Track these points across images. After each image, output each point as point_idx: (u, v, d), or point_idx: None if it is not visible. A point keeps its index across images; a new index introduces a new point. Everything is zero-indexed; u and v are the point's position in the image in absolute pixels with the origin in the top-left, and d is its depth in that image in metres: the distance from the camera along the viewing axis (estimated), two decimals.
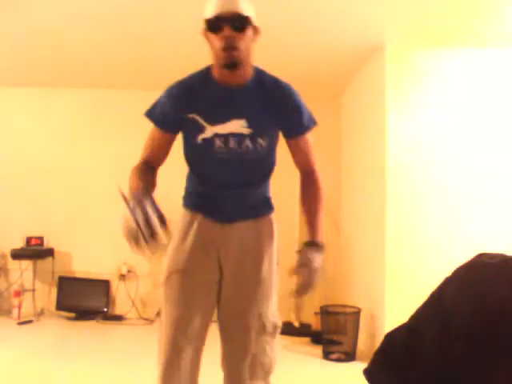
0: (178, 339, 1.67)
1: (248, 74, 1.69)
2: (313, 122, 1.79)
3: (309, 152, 1.82)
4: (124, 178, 5.53)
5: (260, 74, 1.73)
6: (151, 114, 1.75)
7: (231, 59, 1.59)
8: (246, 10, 1.59)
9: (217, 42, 1.59)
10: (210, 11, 1.59)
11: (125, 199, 1.47)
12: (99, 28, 3.54)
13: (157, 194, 1.66)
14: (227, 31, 1.56)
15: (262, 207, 1.84)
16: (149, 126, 1.82)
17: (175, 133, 1.77)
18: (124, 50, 3.98)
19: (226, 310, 1.77)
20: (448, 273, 1.12)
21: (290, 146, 1.81)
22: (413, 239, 3.55)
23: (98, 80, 4.82)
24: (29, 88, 5.03)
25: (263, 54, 3.99)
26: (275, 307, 1.81)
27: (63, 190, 5.05)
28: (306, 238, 1.76)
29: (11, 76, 4.75)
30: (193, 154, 1.78)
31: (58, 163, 5.09)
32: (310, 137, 1.82)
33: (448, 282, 1.10)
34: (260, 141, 1.71)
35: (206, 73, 1.72)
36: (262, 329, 1.74)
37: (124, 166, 5.69)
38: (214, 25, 1.58)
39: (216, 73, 1.69)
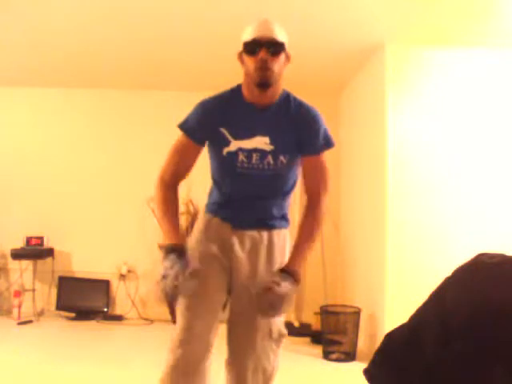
0: (196, 308, 1.76)
1: (276, 96, 1.80)
2: (328, 144, 1.86)
3: (320, 174, 1.87)
4: (124, 178, 5.48)
5: (287, 97, 1.84)
6: (184, 125, 1.85)
7: (264, 79, 1.71)
8: (281, 36, 1.74)
9: (251, 63, 1.72)
10: (249, 35, 1.73)
11: (164, 255, 1.73)
12: (99, 28, 3.53)
13: None
14: (262, 54, 1.69)
15: (278, 221, 1.91)
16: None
17: (203, 145, 1.87)
18: (124, 50, 3.98)
19: (237, 310, 1.84)
20: (448, 273, 1.12)
21: (303, 164, 1.88)
22: (413, 239, 3.55)
23: (98, 80, 4.82)
24: (29, 88, 5.03)
25: None
26: (282, 318, 1.88)
27: (63, 190, 5.05)
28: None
29: (11, 76, 4.75)
30: (217, 166, 1.88)
31: (58, 163, 5.09)
32: (325, 161, 1.87)
33: (448, 282, 1.10)
34: (281, 158, 1.80)
35: (236, 91, 1.83)
36: (269, 334, 1.81)
37: (124, 166, 5.72)
38: (251, 47, 1.72)
39: (246, 92, 1.80)
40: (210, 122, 1.80)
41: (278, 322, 1.84)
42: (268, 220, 1.89)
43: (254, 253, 1.85)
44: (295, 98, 1.85)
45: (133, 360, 3.55)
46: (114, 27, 3.52)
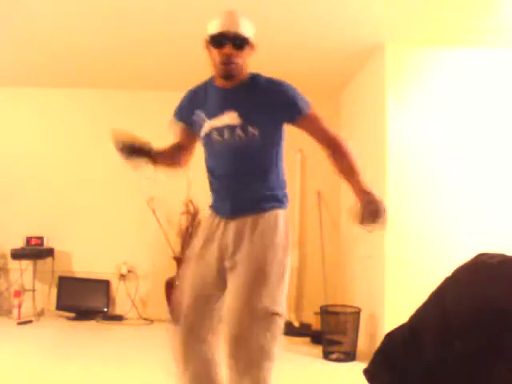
0: (195, 288, 1.95)
1: (242, 77, 1.93)
2: (307, 105, 1.94)
3: (322, 127, 1.95)
4: (124, 178, 5.50)
5: (254, 76, 1.95)
6: (174, 113, 2.14)
7: (228, 72, 1.86)
8: (247, 31, 1.84)
9: (217, 56, 1.85)
10: (215, 28, 1.83)
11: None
12: (99, 28, 3.54)
13: None
14: (228, 48, 1.82)
15: (267, 202, 1.95)
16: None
17: (187, 124, 2.07)
18: (124, 50, 3.98)
19: (230, 291, 1.90)
20: (448, 273, 1.13)
21: (302, 128, 1.97)
22: (413, 239, 3.55)
23: (99, 80, 4.82)
24: (29, 88, 5.03)
25: (268, 54, 3.99)
26: (279, 297, 1.88)
27: (63, 190, 5.05)
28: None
29: (11, 76, 4.75)
30: (203, 150, 2.05)
31: (58, 163, 5.09)
32: (317, 114, 1.95)
33: (448, 282, 1.10)
34: (251, 129, 1.89)
35: (210, 80, 2.02)
36: (261, 312, 1.82)
37: (125, 165, 5.68)
38: (217, 41, 1.83)
39: (216, 79, 1.97)
40: (188, 108, 2.04)
41: (272, 302, 1.85)
42: (254, 202, 1.93)
43: (240, 239, 1.91)
44: (263, 76, 1.96)
45: (133, 360, 3.55)
46: (116, 27, 3.52)
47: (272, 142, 1.95)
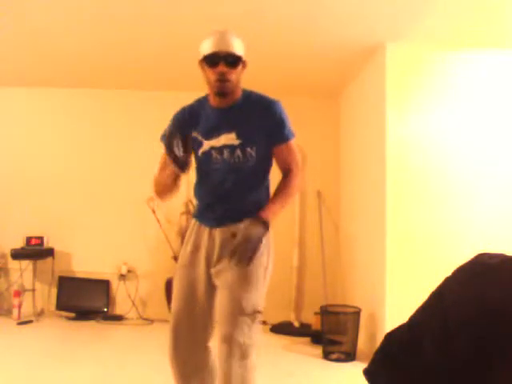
0: (184, 293, 2.04)
1: (236, 97, 2.01)
2: (292, 134, 2.03)
3: (290, 156, 2.04)
4: (124, 178, 5.50)
5: (247, 94, 2.03)
6: (162, 137, 2.05)
7: (223, 89, 1.93)
8: (238, 49, 1.91)
9: (211, 74, 1.92)
10: (208, 48, 1.91)
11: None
12: (99, 28, 3.54)
13: None
14: (221, 67, 1.89)
15: (252, 213, 2.01)
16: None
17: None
18: (124, 50, 3.98)
19: (221, 292, 1.99)
20: (448, 273, 1.13)
21: (274, 152, 2.04)
22: (413, 239, 3.55)
23: (98, 80, 4.82)
24: (29, 88, 5.03)
25: (269, 54, 3.98)
26: (262, 297, 2.00)
27: (63, 190, 5.05)
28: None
29: (11, 76, 4.75)
30: (197, 166, 2.09)
31: (58, 163, 5.09)
32: (293, 145, 2.04)
33: (448, 282, 1.10)
34: (249, 150, 1.98)
35: (204, 99, 2.08)
36: (240, 309, 1.91)
37: (124, 165, 5.71)
38: (211, 60, 1.91)
39: (211, 98, 2.03)
40: (182, 130, 1.98)
41: (251, 300, 1.94)
42: (240, 213, 1.99)
43: (224, 244, 1.99)
44: (256, 93, 2.03)
45: (133, 360, 3.55)
46: (115, 27, 3.52)
47: (265, 160, 2.04)
